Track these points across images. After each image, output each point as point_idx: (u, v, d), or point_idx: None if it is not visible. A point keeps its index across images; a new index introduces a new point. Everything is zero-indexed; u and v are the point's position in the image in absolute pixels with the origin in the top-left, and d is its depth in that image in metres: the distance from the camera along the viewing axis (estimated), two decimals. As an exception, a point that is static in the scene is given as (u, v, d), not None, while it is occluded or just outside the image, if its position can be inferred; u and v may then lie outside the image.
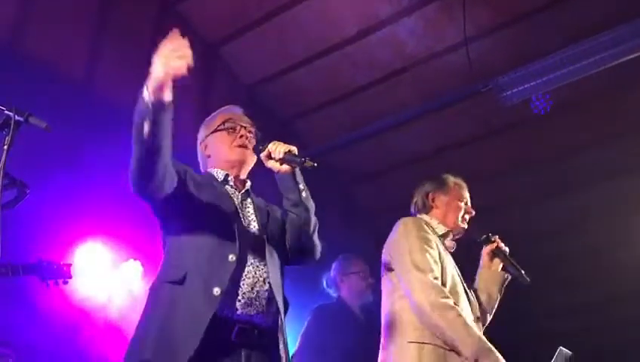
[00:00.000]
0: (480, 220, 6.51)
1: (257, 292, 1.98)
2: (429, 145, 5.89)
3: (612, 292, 6.93)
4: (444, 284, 2.64)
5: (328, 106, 5.60)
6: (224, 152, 2.29)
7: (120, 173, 3.79)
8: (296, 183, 2.19)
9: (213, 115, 2.43)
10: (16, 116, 1.67)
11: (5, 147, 1.65)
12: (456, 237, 2.97)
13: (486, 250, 2.97)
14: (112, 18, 4.46)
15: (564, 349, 3.32)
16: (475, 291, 2.95)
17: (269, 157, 2.17)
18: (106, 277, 3.99)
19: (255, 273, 2.01)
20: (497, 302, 2.98)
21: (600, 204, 6.13)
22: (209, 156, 2.34)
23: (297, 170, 2.18)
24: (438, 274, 2.62)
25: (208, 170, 2.32)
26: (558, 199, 6.22)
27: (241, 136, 2.29)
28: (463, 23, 4.57)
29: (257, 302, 1.98)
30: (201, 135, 2.41)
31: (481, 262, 3.02)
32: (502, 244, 2.96)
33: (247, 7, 4.92)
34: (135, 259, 4.13)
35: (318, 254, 2.30)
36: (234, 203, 2.17)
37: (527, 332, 7.32)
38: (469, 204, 3.03)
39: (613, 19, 4.16)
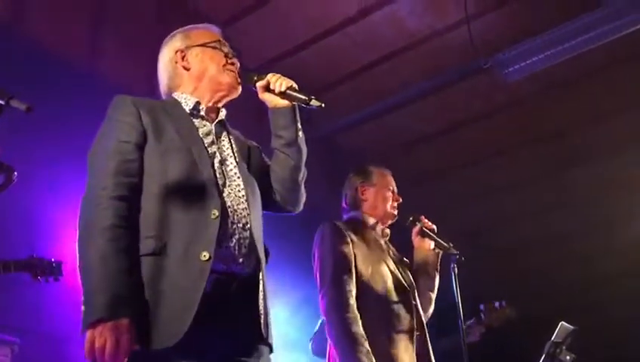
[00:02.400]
0: (486, 199, 6.57)
1: (237, 240, 1.76)
2: (432, 123, 5.90)
3: (618, 267, 6.98)
4: (363, 284, 2.69)
5: (332, 87, 5.60)
6: (214, 72, 2.00)
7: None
8: (295, 120, 1.95)
9: (191, 26, 2.14)
10: (-4, 99, 1.61)
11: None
12: (387, 224, 3.01)
13: (415, 231, 2.97)
14: (113, 2, 4.46)
15: (565, 323, 3.35)
16: (414, 273, 2.97)
17: (266, 88, 1.96)
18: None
19: (234, 218, 1.77)
20: (437, 281, 2.97)
21: (604, 179, 6.14)
22: (187, 69, 2.01)
23: (297, 106, 1.95)
24: (351, 287, 2.65)
25: (174, 94, 2.01)
26: (563, 175, 6.24)
27: (233, 63, 2.04)
28: (464, 0, 4.54)
29: (237, 252, 1.75)
30: (176, 43, 2.06)
31: (413, 243, 3.02)
32: (429, 223, 2.96)
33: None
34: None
35: (301, 205, 2.07)
36: (206, 139, 1.88)
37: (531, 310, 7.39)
38: (395, 190, 3.05)
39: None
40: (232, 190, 1.83)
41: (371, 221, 2.97)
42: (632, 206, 6.46)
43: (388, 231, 3.03)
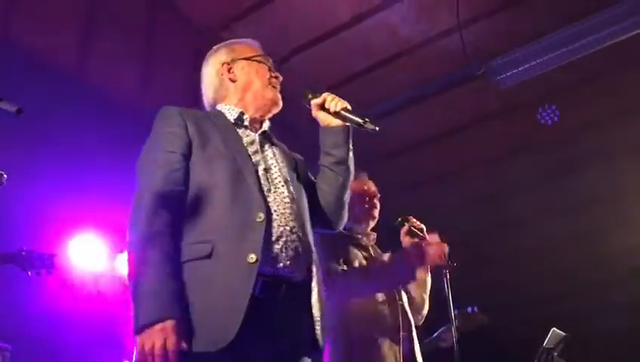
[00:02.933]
0: (477, 207, 6.56)
1: (284, 243, 1.76)
2: (425, 130, 5.89)
3: (604, 276, 6.99)
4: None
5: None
6: (259, 86, 2.05)
7: (114, 162, 3.79)
8: (347, 140, 2.00)
9: (233, 40, 2.22)
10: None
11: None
12: (369, 226, 3.01)
13: (403, 231, 2.93)
14: (102, 4, 4.42)
15: (556, 330, 3.35)
16: None
17: (322, 107, 2.01)
18: (101, 269, 3.99)
19: (281, 221, 1.78)
20: (428, 282, 2.96)
21: (599, 186, 6.15)
22: (233, 81, 2.07)
23: (350, 127, 2.00)
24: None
25: (218, 105, 2.07)
26: (555, 182, 6.24)
27: (276, 77, 2.10)
28: (457, 7, 4.54)
29: (284, 255, 1.75)
30: (222, 57, 2.12)
31: (402, 243, 2.97)
32: (417, 222, 2.94)
33: (241, -6, 4.89)
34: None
35: (342, 225, 2.10)
36: (250, 148, 1.92)
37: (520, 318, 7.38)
38: (372, 191, 3.04)
39: (606, 0, 4.14)
40: (277, 195, 1.85)
41: (353, 227, 2.95)
42: (621, 215, 6.48)
43: (374, 235, 3.03)
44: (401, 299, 2.79)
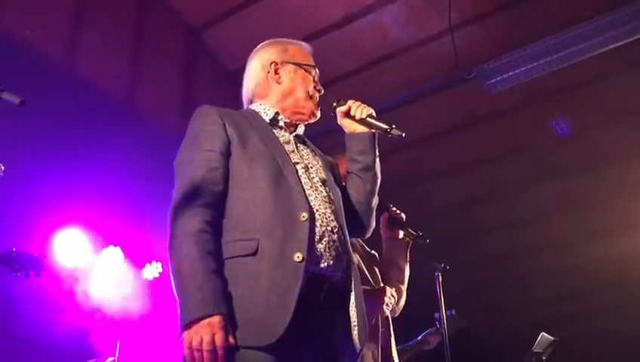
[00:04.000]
0: (465, 209, 6.59)
1: (326, 243, 1.76)
2: (413, 132, 5.88)
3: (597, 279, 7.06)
4: None
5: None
6: (300, 95, 2.05)
7: (100, 157, 3.75)
8: (374, 146, 2.01)
9: (287, 40, 2.19)
10: (-12, 92, 1.58)
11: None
12: None
13: (383, 220, 2.90)
14: (93, 1, 4.37)
15: (545, 334, 3.37)
16: (384, 265, 2.93)
17: (347, 114, 2.02)
18: (86, 264, 3.95)
19: (322, 221, 1.78)
20: (407, 273, 2.94)
21: (584, 192, 6.20)
22: (279, 83, 2.05)
23: (376, 133, 2.01)
24: None
25: (254, 104, 2.06)
26: (543, 186, 6.28)
27: (319, 91, 2.09)
28: (448, 11, 4.55)
29: (328, 255, 1.75)
30: (273, 55, 2.10)
31: (382, 233, 2.95)
32: (396, 211, 2.91)
33: (231, -10, 4.86)
34: (115, 246, 4.08)
35: (369, 231, 2.09)
36: (287, 148, 1.91)
37: (511, 321, 7.43)
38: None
39: (597, 8, 4.17)
40: (318, 195, 1.85)
41: None
42: (604, 222, 6.55)
43: None
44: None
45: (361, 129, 2.01)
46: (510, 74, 4.34)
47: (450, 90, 5.03)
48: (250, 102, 2.10)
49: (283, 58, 2.09)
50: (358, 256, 2.83)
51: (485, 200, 6.57)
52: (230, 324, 1.60)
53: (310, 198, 1.80)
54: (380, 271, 2.90)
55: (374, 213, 2.07)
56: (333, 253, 1.77)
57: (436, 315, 3.75)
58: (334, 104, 2.05)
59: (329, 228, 1.79)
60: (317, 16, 4.99)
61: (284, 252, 1.68)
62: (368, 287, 2.71)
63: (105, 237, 4.04)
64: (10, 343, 3.28)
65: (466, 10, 4.74)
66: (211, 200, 1.75)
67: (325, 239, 1.77)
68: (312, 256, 1.72)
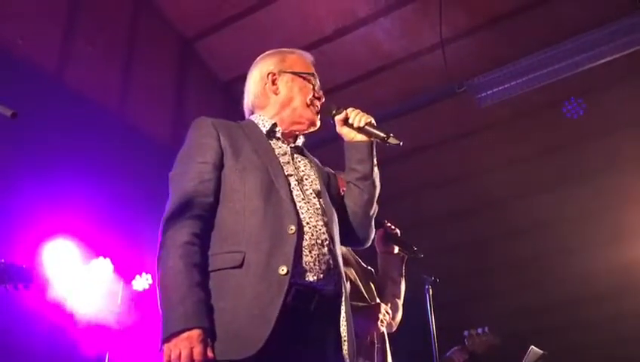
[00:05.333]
0: (457, 221, 6.60)
1: (316, 256, 1.74)
2: (404, 145, 5.91)
3: (582, 292, 7.08)
4: None
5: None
6: (299, 104, 2.03)
7: (88, 168, 3.74)
8: (372, 155, 1.98)
9: (287, 50, 2.17)
10: (-21, 105, 1.58)
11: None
12: None
13: (378, 236, 2.90)
14: (85, 10, 4.37)
15: (535, 348, 3.37)
16: (379, 279, 2.94)
17: (345, 122, 1.99)
18: (76, 275, 3.92)
19: (312, 234, 1.77)
20: (402, 288, 2.94)
21: (574, 205, 6.24)
22: (275, 94, 2.04)
23: (374, 142, 1.98)
24: None
25: (253, 115, 2.06)
26: (532, 199, 6.31)
27: (319, 98, 2.07)
28: (439, 25, 4.59)
29: (317, 267, 1.73)
30: (271, 65, 2.09)
31: (377, 249, 2.97)
32: (392, 227, 2.92)
33: (224, 2, 4.87)
34: (105, 257, 4.06)
35: (369, 241, 2.06)
36: (282, 159, 1.91)
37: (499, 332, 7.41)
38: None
39: (587, 23, 4.22)
40: (310, 207, 1.83)
41: None
42: (592, 236, 6.58)
43: None
44: (392, 310, 2.79)
45: (359, 137, 1.98)
46: (500, 88, 4.37)
47: (441, 103, 5.06)
48: (251, 113, 2.09)
49: (281, 68, 2.08)
50: (354, 272, 2.83)
51: (477, 211, 6.59)
52: (212, 337, 1.59)
53: (301, 211, 1.79)
54: (375, 287, 2.90)
55: (373, 223, 2.05)
56: (323, 266, 1.76)
57: (465, 333, 3.74)
58: (333, 112, 2.03)
59: (319, 241, 1.77)
60: (310, 29, 5.01)
61: (270, 264, 1.67)
62: (363, 303, 2.72)
63: (94, 249, 4.02)
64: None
65: (457, 25, 4.78)
66: (202, 212, 1.75)
67: (314, 252, 1.75)
68: (299, 268, 1.71)
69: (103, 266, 4.05)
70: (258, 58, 2.16)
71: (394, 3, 4.77)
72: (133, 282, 4.14)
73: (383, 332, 2.77)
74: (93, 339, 3.79)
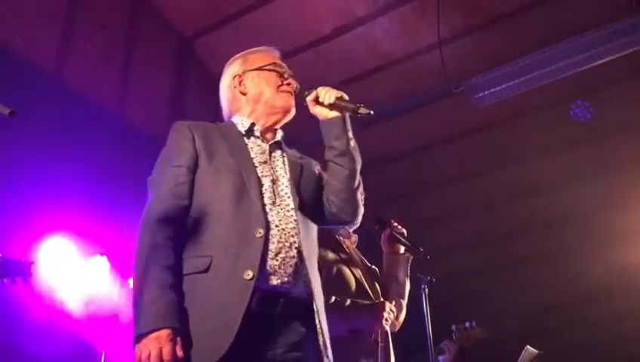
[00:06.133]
0: (454, 221, 6.61)
1: (282, 259, 1.75)
2: (401, 145, 5.93)
3: (581, 292, 7.10)
4: (328, 284, 2.63)
5: (301, 104, 5.58)
6: (269, 95, 2.05)
7: (87, 166, 3.74)
8: (346, 130, 1.96)
9: (250, 50, 2.20)
10: (-22, 103, 1.59)
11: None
12: (352, 230, 2.96)
13: (384, 235, 2.93)
14: (84, 9, 4.37)
15: (530, 347, 3.38)
16: (384, 279, 2.95)
17: (317, 102, 2.00)
18: (72, 273, 3.92)
19: (281, 237, 1.78)
20: (407, 288, 2.95)
21: (572, 206, 6.25)
22: (245, 94, 2.08)
23: (347, 116, 1.98)
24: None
25: (233, 117, 2.09)
26: (529, 200, 6.32)
27: (289, 84, 2.08)
28: (437, 25, 4.59)
29: (282, 270, 1.74)
30: (234, 69, 2.14)
31: (383, 248, 2.99)
32: (398, 227, 2.94)
33: (223, 1, 4.87)
34: (101, 255, 4.06)
35: (359, 216, 2.04)
36: (259, 158, 1.93)
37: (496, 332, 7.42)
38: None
39: (586, 24, 4.23)
40: (281, 209, 1.85)
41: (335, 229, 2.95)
42: (594, 234, 6.59)
43: (355, 237, 3.01)
44: (396, 309, 2.80)
45: (332, 114, 1.98)
46: (497, 88, 4.39)
47: (438, 103, 5.07)
48: (229, 119, 2.13)
49: (245, 68, 2.12)
50: (359, 271, 2.84)
51: (475, 212, 6.60)
52: (181, 339, 1.61)
53: (271, 213, 1.81)
54: (380, 286, 2.91)
55: (359, 197, 2.02)
56: (289, 269, 1.76)
57: (452, 327, 3.77)
58: (305, 93, 2.04)
59: (287, 244, 1.79)
60: (308, 28, 5.01)
61: (236, 269, 1.69)
62: (368, 302, 2.74)
63: (92, 247, 4.02)
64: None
65: (455, 25, 4.79)
66: (177, 216, 1.78)
67: (281, 255, 1.76)
68: (265, 272, 1.72)
69: (100, 264, 4.05)
70: (225, 67, 2.20)
71: (392, 3, 4.77)
72: (130, 280, 4.15)
73: (387, 332, 2.78)
74: (89, 337, 3.79)
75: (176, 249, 1.73)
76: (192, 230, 1.77)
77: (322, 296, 1.87)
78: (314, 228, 1.96)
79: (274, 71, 2.10)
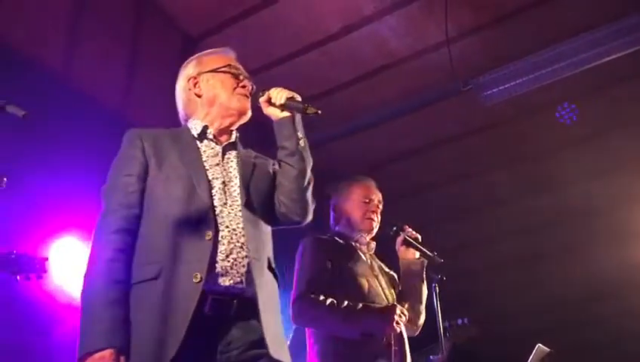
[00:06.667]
0: (462, 219, 6.60)
1: (234, 259, 1.78)
2: (408, 143, 5.92)
3: (592, 289, 7.07)
4: (342, 290, 2.73)
5: (309, 103, 5.58)
6: (224, 97, 2.05)
7: (98, 166, 3.73)
8: (295, 130, 1.99)
9: (205, 52, 2.21)
10: (-7, 104, 1.61)
11: (-18, 135, 1.59)
12: (369, 235, 3.02)
13: (399, 241, 2.95)
14: (89, 8, 4.38)
15: (542, 346, 3.37)
16: (401, 283, 2.98)
17: (269, 102, 2.02)
18: (83, 273, 3.93)
19: (232, 238, 1.81)
20: (424, 292, 2.96)
21: (579, 203, 6.23)
22: (199, 96, 2.08)
23: (298, 116, 2.01)
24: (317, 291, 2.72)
25: (188, 121, 2.10)
26: (538, 197, 6.30)
27: (244, 86, 2.09)
28: (445, 23, 4.58)
29: (234, 271, 1.77)
30: (189, 71, 2.14)
31: (398, 254, 3.01)
32: (412, 232, 2.94)
33: (229, 1, 4.88)
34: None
35: (309, 215, 2.04)
36: (212, 161, 1.95)
37: (505, 330, 7.41)
38: (375, 200, 3.05)
39: (593, 21, 4.21)
40: (232, 210, 1.86)
41: (351, 235, 2.96)
42: (602, 231, 6.56)
43: (373, 244, 3.02)
44: (413, 315, 2.83)
45: (283, 115, 2.00)
46: (506, 86, 4.36)
47: (446, 102, 5.05)
48: (186, 121, 2.14)
49: (199, 70, 2.12)
50: (375, 278, 2.87)
51: (483, 210, 6.59)
52: (126, 355, 1.63)
53: (222, 215, 1.83)
54: (397, 291, 2.93)
55: (308, 197, 2.03)
56: (242, 270, 1.78)
57: (446, 324, 3.76)
58: (260, 94, 2.06)
59: (238, 245, 1.81)
60: (315, 27, 5.01)
61: (185, 273, 1.70)
62: (379, 305, 2.76)
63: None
64: (9, 348, 3.26)
65: (463, 23, 4.77)
66: (127, 226, 1.79)
67: (232, 256, 1.78)
68: (215, 274, 1.74)
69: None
70: (180, 69, 2.21)
71: (399, 1, 4.76)
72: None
73: (402, 335, 2.78)
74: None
75: (128, 260, 1.75)
76: (144, 238, 1.79)
77: (273, 295, 1.89)
78: (266, 227, 1.97)
79: (229, 73, 2.10)
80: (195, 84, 2.10)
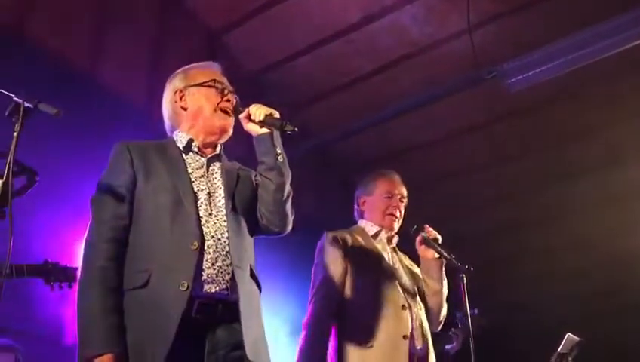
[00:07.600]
0: (485, 208, 6.56)
1: (219, 267, 1.87)
2: (432, 133, 5.90)
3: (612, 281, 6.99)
4: (355, 292, 2.77)
5: (331, 94, 5.60)
6: (208, 113, 2.12)
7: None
8: (273, 146, 2.04)
9: (191, 65, 2.27)
10: (25, 103, 1.66)
11: (15, 134, 1.61)
12: (391, 231, 3.03)
13: (418, 240, 2.93)
14: (114, 6, 4.43)
15: (571, 335, 3.35)
16: (423, 281, 2.99)
17: (249, 119, 2.08)
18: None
19: (217, 247, 1.90)
20: (444, 291, 2.96)
21: (612, 189, 6.14)
22: (185, 109, 2.15)
23: (276, 132, 2.06)
24: (331, 304, 2.77)
25: (174, 133, 2.17)
26: (565, 185, 6.23)
27: (228, 100, 2.16)
28: (467, 10, 4.54)
29: (220, 278, 1.86)
30: (176, 83, 2.20)
31: (418, 251, 3.00)
32: (432, 231, 2.92)
33: (250, -6, 4.91)
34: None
35: (288, 226, 2.12)
36: (197, 173, 2.03)
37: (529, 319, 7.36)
38: (398, 195, 3.05)
39: (616, 7, 4.14)
40: (217, 220, 1.96)
41: (373, 230, 3.00)
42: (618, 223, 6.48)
43: (396, 238, 3.05)
44: (414, 308, 2.82)
45: (262, 131, 2.06)
46: (530, 73, 4.30)
47: (470, 90, 5.02)
48: (171, 133, 2.20)
49: (186, 84, 2.18)
50: (396, 277, 2.88)
51: (506, 199, 6.54)
52: (125, 357, 1.72)
53: (207, 225, 1.92)
54: (419, 288, 2.96)
55: (287, 210, 2.10)
56: (227, 277, 1.88)
57: (458, 314, 3.75)
58: (240, 108, 2.12)
59: (223, 253, 1.90)
60: (336, 18, 5.01)
61: (172, 281, 1.79)
62: (392, 308, 2.77)
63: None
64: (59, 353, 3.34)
65: (485, 10, 4.73)
66: (118, 236, 1.87)
67: (218, 264, 1.87)
68: (201, 282, 1.83)
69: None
70: (167, 80, 2.27)
71: (420, -11, 4.74)
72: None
73: (424, 330, 2.81)
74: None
75: (119, 269, 1.83)
76: (133, 247, 1.87)
77: (255, 301, 1.97)
78: (249, 236, 2.06)
79: (214, 87, 2.16)
80: (182, 97, 2.17)
